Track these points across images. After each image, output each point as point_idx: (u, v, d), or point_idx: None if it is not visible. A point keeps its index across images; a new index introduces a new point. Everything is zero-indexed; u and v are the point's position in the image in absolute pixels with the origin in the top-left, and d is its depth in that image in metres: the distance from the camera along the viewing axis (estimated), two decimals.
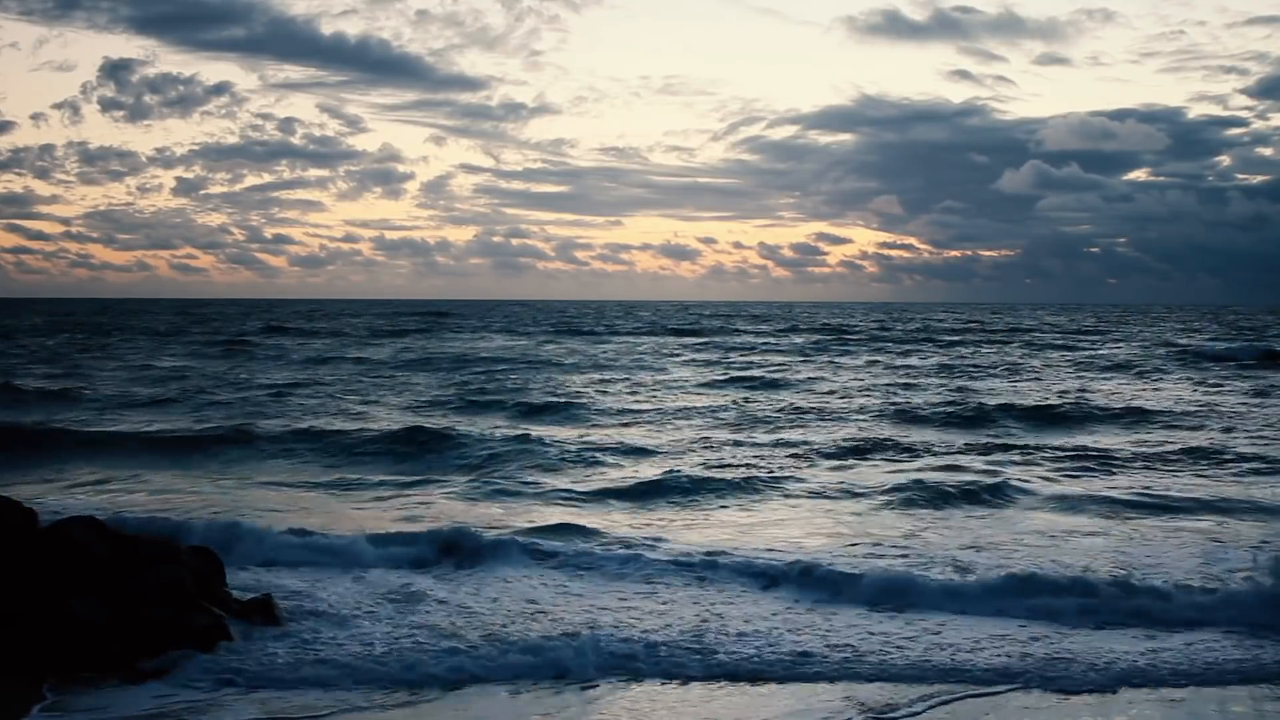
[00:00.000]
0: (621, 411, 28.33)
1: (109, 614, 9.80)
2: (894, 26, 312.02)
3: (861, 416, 27.49)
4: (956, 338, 71.60)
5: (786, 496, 17.32)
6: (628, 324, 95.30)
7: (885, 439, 23.52)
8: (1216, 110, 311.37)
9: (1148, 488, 17.74)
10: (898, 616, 10.92)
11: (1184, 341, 63.67)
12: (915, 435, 24.33)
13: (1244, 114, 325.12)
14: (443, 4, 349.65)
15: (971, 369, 43.52)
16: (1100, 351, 54.88)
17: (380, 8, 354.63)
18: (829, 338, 70.07)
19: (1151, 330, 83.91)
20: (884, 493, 17.27)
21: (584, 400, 30.63)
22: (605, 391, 33.59)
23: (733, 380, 37.61)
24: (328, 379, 37.29)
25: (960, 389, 34.97)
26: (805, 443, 22.94)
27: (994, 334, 76.44)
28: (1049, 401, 30.37)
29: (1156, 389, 35.28)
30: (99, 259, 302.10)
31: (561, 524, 14.95)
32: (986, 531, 14.78)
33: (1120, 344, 62.35)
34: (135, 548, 10.48)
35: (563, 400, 30.25)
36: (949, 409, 28.42)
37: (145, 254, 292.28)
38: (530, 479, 18.72)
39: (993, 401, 30.18)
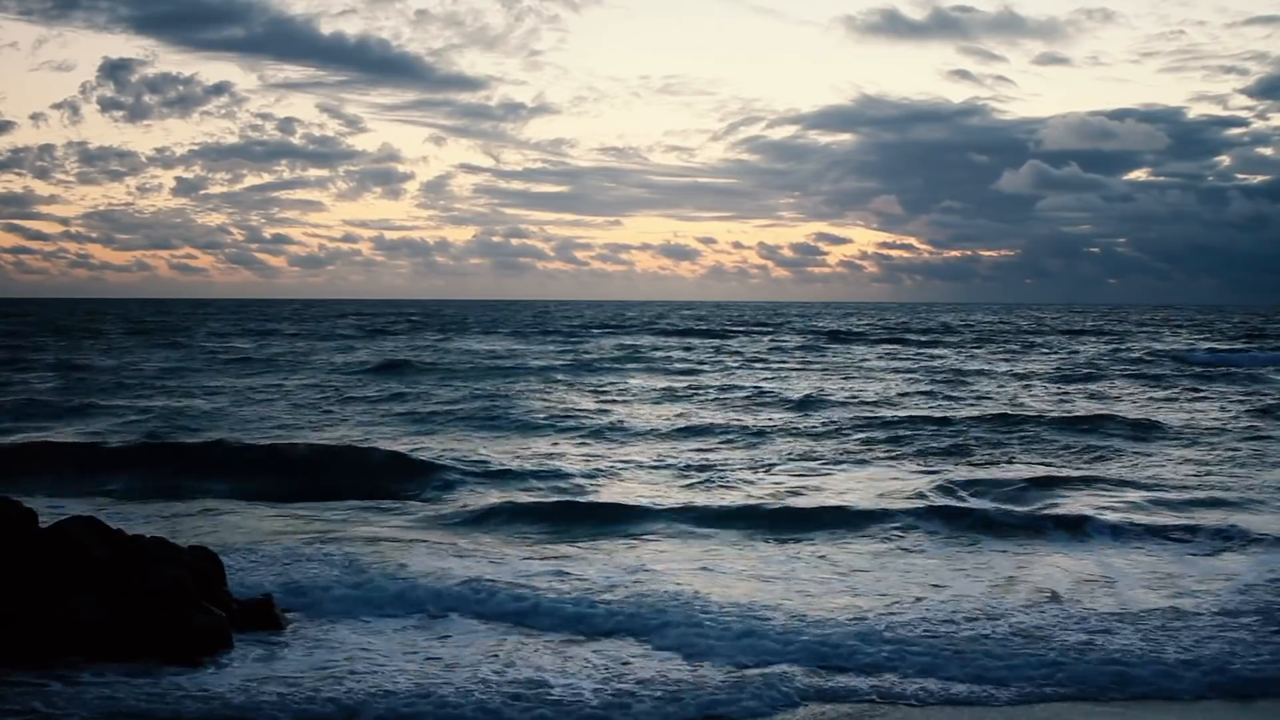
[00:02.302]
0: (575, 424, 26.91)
1: (110, 613, 9.77)
2: (893, 26, 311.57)
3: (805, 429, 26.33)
4: (954, 338, 70.34)
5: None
6: (593, 325, 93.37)
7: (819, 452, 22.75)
8: (1216, 110, 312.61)
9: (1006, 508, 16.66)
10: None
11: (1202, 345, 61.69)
12: (838, 449, 23.37)
13: (1244, 114, 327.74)
14: (442, 4, 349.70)
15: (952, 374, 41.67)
16: (1081, 356, 52.69)
17: (379, 7, 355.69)
18: (782, 340, 68.77)
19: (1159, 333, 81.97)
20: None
21: (532, 414, 28.91)
22: (569, 403, 31.97)
23: (677, 390, 35.99)
24: (270, 387, 35.81)
25: (926, 395, 34.18)
26: (724, 463, 21.75)
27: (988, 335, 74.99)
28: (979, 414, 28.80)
29: (1118, 399, 33.58)
30: (98, 259, 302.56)
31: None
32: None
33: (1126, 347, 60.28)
34: (136, 548, 10.48)
35: (509, 414, 28.69)
36: (916, 419, 27.61)
37: (145, 254, 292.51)
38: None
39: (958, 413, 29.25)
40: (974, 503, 17.16)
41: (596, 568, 13.15)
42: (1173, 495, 18.10)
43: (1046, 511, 16.39)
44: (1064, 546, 14.65)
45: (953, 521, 15.76)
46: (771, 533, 15.41)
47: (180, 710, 8.65)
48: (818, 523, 15.74)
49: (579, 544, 14.72)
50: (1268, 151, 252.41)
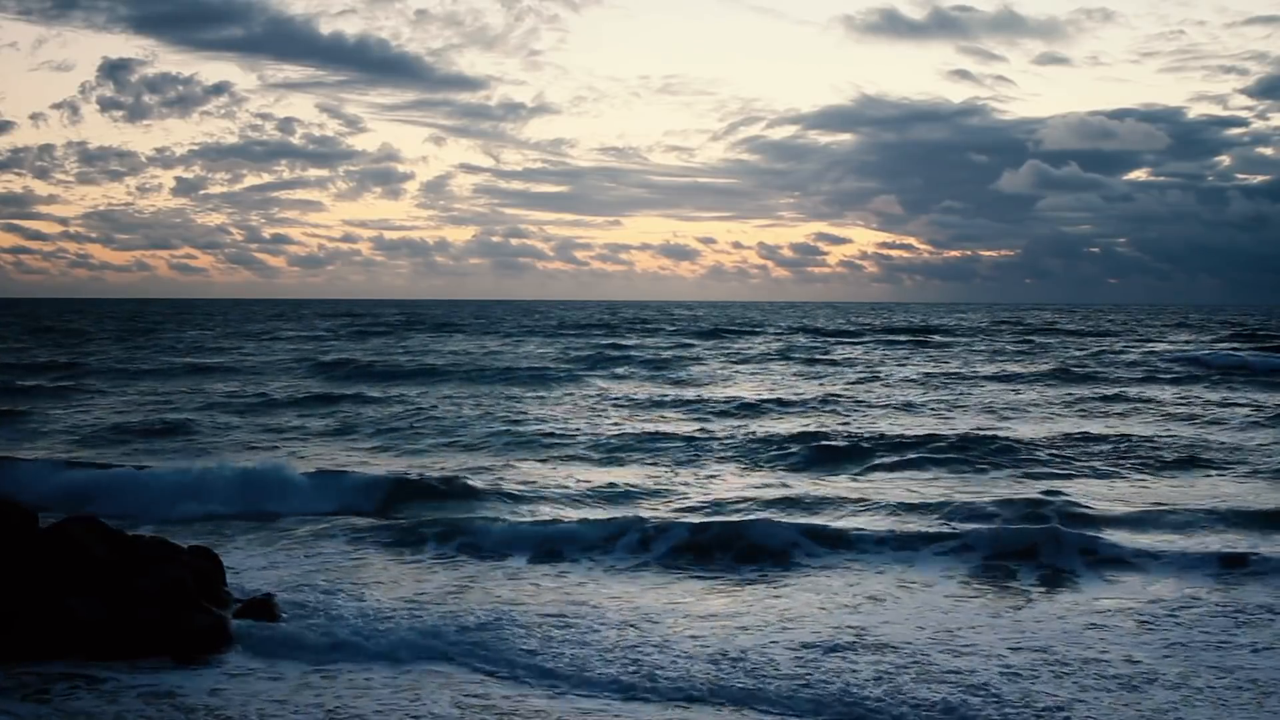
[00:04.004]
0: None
1: (109, 613, 9.82)
2: (893, 25, 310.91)
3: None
4: (953, 339, 69.23)
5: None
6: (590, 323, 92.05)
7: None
8: (1216, 110, 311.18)
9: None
10: None
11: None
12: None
13: (1244, 114, 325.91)
14: (442, 4, 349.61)
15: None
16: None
17: (379, 7, 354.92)
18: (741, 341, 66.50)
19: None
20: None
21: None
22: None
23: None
24: (228, 393, 34.10)
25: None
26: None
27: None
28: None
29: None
30: (98, 259, 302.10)
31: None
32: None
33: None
34: (136, 548, 10.55)
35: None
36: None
37: (144, 254, 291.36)
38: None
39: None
40: (964, 525, 15.77)
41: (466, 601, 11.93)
42: (1170, 512, 16.63)
43: (1047, 532, 14.84)
44: (1078, 577, 13.41)
45: (941, 544, 14.61)
46: (730, 560, 14.17)
47: (178, 709, 8.63)
48: (788, 545, 14.44)
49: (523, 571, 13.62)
50: (1268, 151, 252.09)
